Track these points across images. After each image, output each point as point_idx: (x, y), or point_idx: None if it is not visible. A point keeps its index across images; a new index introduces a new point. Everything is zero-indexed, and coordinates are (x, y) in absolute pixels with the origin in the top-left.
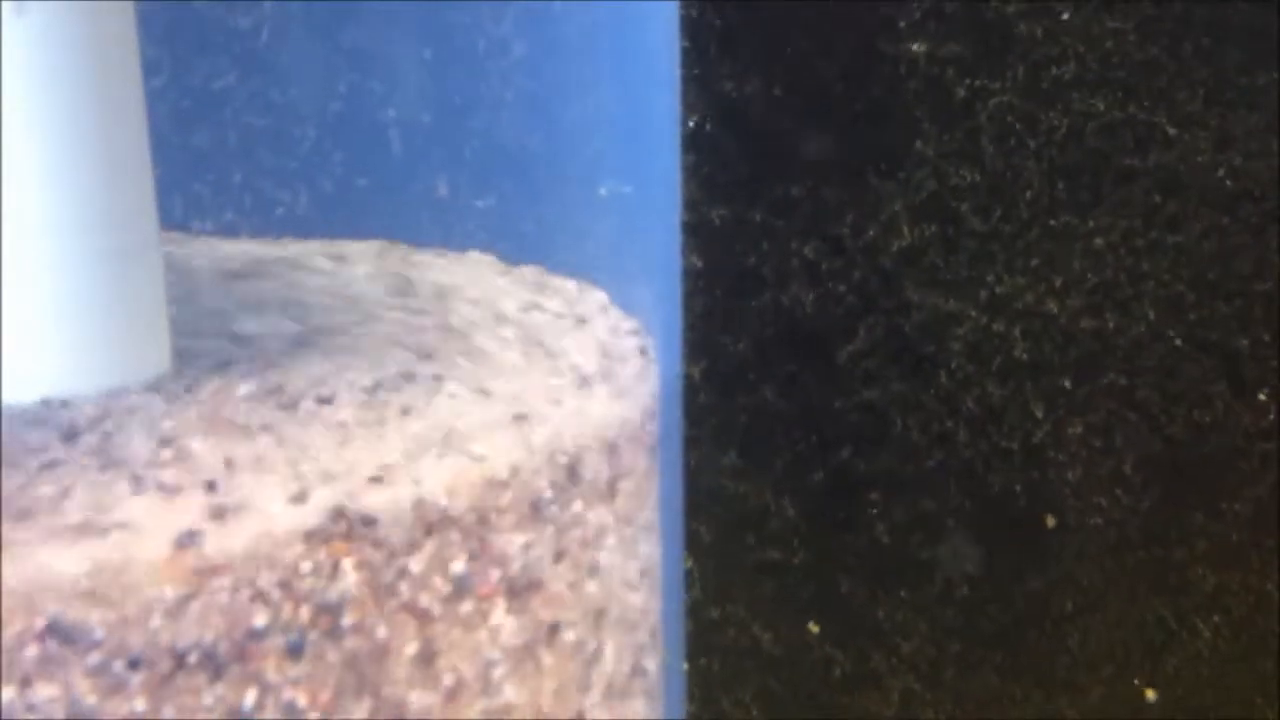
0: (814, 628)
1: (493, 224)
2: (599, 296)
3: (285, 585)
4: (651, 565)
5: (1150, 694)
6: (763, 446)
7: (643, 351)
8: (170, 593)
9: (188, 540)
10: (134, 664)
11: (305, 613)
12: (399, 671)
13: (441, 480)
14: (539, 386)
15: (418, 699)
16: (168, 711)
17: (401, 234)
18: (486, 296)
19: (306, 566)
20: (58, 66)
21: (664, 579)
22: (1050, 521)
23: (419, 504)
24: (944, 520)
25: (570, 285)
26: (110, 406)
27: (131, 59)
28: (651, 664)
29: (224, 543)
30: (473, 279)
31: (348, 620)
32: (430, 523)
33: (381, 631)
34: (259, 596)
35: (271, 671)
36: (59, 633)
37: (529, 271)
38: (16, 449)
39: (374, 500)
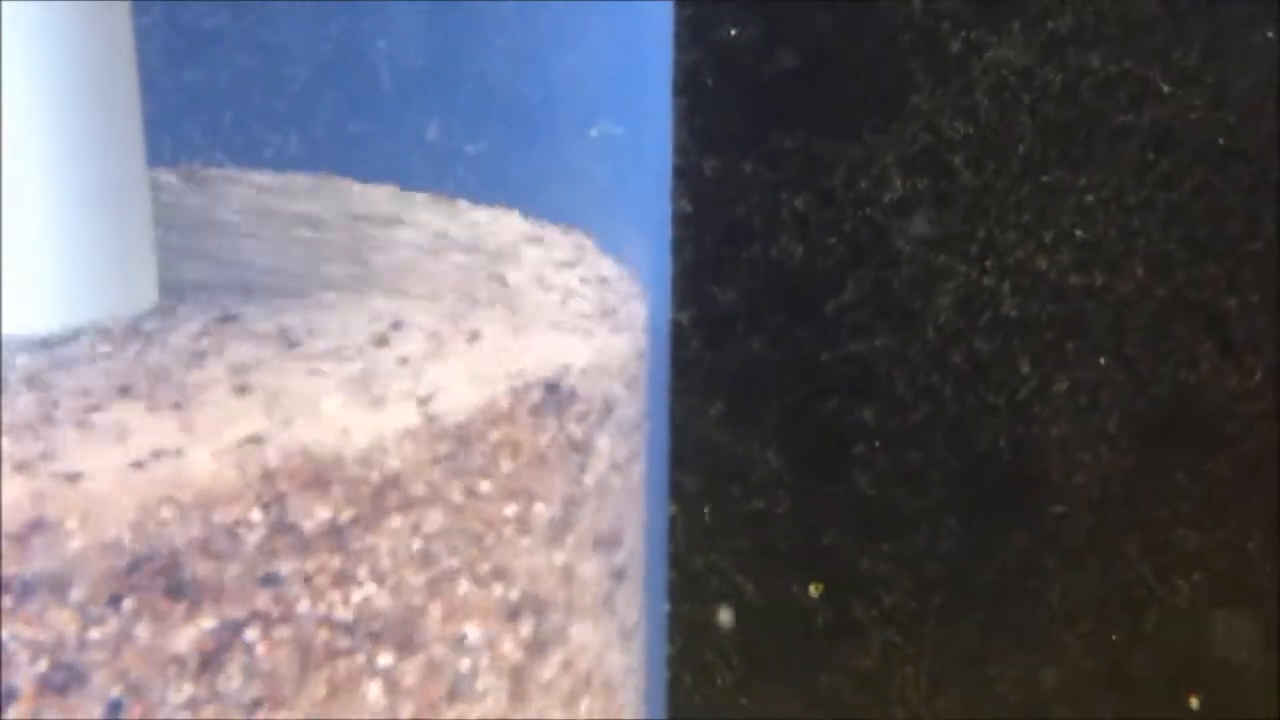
0: (814, 589)
1: (483, 169)
2: (586, 241)
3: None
4: (636, 512)
5: (1194, 701)
6: (749, 397)
7: (630, 296)
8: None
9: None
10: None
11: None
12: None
13: (398, 425)
14: (525, 328)
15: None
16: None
17: (391, 177)
18: (468, 240)
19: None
20: (49, 7)
21: (648, 526)
22: (1059, 509)
23: (373, 449)
24: (929, 474)
25: (556, 229)
26: (98, 338)
27: None
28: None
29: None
30: (452, 222)
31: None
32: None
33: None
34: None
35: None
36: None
37: (511, 215)
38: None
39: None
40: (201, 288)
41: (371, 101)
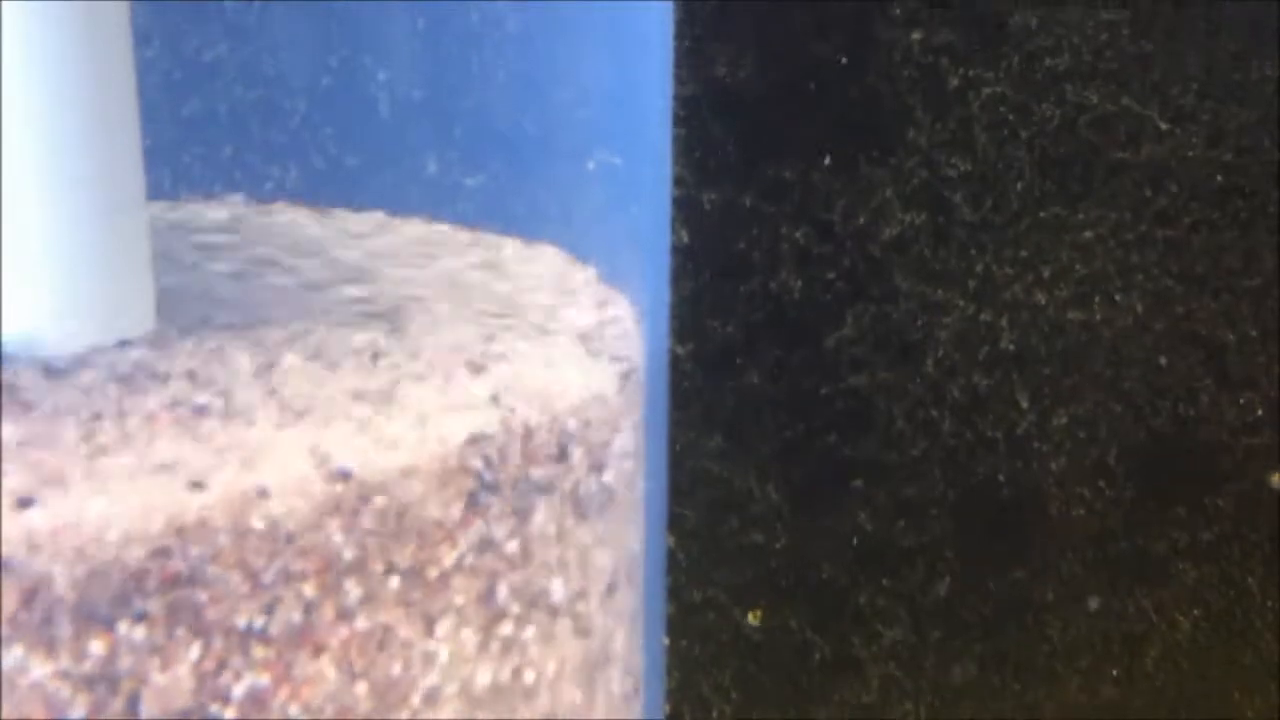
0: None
1: (482, 201)
2: (585, 270)
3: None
4: (634, 544)
5: None
6: (748, 431)
7: (629, 325)
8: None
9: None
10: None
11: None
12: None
13: (384, 459)
14: (520, 356)
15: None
16: None
17: (390, 209)
18: (467, 267)
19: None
20: (50, 35)
21: (646, 559)
22: (1058, 544)
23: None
24: (927, 508)
25: (557, 257)
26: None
27: (123, 27)
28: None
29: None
30: (451, 251)
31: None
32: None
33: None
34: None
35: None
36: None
37: (511, 243)
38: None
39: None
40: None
41: (371, 133)
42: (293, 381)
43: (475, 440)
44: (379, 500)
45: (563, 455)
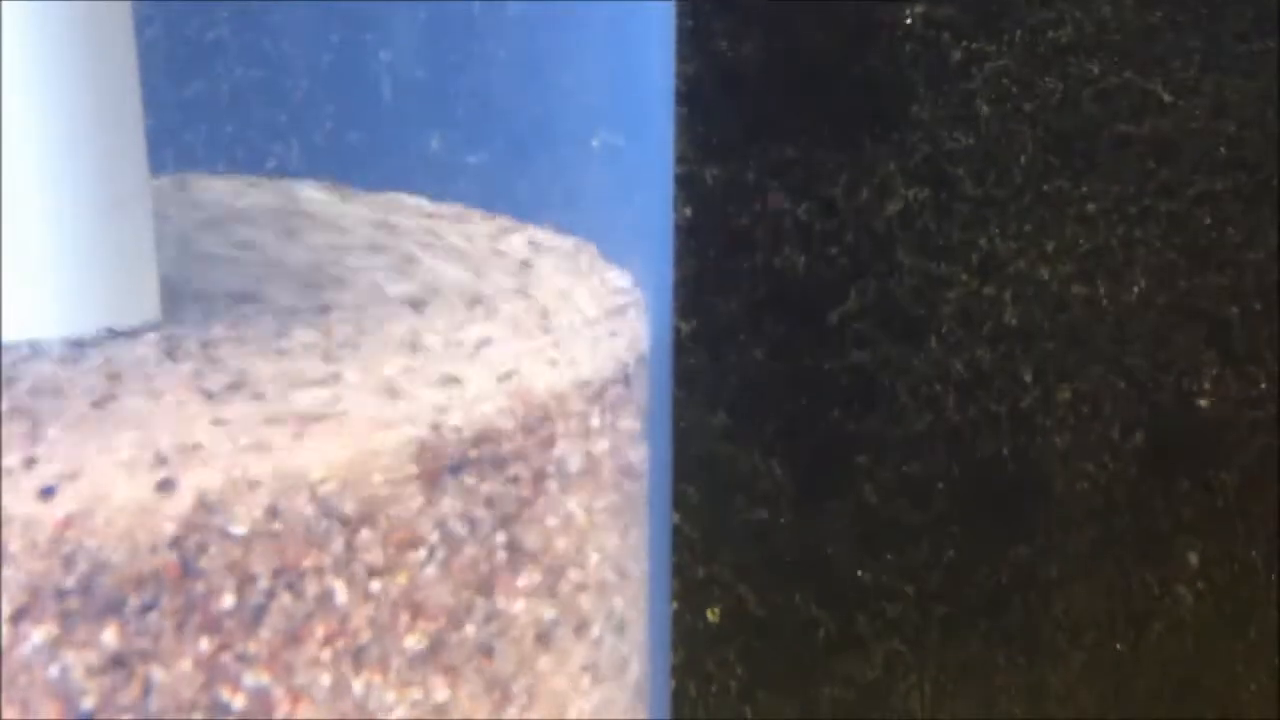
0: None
1: (484, 180)
2: (587, 247)
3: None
4: (638, 522)
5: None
6: (752, 408)
7: (632, 303)
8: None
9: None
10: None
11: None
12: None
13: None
14: (519, 335)
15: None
16: None
17: (392, 189)
18: (457, 241)
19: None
20: (50, 19)
21: (651, 538)
22: (1062, 519)
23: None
24: (931, 484)
25: (555, 236)
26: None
27: (125, 18)
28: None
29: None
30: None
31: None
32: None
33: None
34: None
35: None
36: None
37: (505, 221)
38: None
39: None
40: None
41: (372, 113)
42: (298, 370)
43: (468, 425)
44: (373, 488)
45: (558, 436)
